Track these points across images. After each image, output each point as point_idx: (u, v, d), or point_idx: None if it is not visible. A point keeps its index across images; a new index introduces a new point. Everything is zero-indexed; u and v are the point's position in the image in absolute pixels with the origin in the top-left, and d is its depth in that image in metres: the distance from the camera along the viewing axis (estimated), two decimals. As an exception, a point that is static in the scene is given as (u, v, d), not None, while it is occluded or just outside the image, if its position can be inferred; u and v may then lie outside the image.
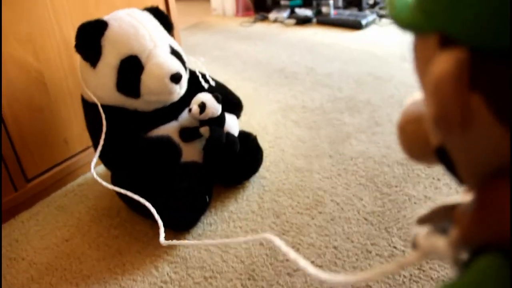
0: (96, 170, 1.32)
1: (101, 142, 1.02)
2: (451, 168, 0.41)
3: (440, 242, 0.41)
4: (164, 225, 1.05)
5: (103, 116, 1.03)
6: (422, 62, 0.39)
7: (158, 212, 1.03)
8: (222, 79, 1.28)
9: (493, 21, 0.31)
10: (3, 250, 1.06)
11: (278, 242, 0.56)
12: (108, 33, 1.02)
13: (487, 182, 0.35)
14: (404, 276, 0.88)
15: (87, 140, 1.27)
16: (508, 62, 0.31)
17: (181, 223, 1.04)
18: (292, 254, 0.50)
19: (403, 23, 0.38)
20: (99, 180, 0.98)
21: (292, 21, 2.93)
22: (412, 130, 0.43)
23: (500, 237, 0.34)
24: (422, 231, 0.43)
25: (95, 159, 1.02)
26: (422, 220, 0.46)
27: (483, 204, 0.36)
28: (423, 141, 0.42)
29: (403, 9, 0.39)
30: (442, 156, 0.40)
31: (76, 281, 0.95)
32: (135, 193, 1.07)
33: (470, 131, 0.34)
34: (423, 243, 0.41)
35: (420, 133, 0.43)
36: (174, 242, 0.87)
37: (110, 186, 1.01)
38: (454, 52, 0.34)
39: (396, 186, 1.14)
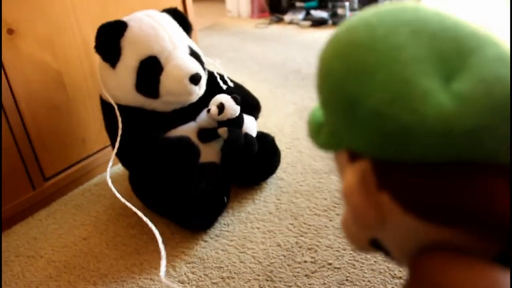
0: (114, 170, 1.34)
1: (116, 145, 1.03)
2: (388, 253, 0.46)
3: None
4: (182, 225, 1.06)
5: (119, 119, 1.04)
6: (340, 172, 0.45)
7: (176, 213, 1.04)
8: (237, 81, 1.28)
9: (379, 140, 0.35)
10: (21, 248, 1.07)
11: None
12: (128, 34, 1.03)
13: (414, 259, 0.39)
14: None
15: (104, 140, 1.28)
16: (406, 163, 0.35)
17: (199, 223, 1.04)
18: None
19: (320, 144, 0.44)
20: (113, 189, 0.99)
21: (308, 23, 2.93)
22: (353, 230, 0.47)
23: None
24: None
25: (111, 162, 1.03)
26: None
27: (413, 279, 0.39)
28: (361, 236, 0.46)
29: (318, 131, 0.44)
30: (377, 246, 0.45)
31: (94, 279, 0.96)
32: (153, 193, 1.07)
33: (388, 224, 0.39)
34: None
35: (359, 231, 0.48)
36: (174, 285, 0.87)
37: (120, 197, 1.01)
38: (357, 165, 0.38)
39: (414, 189, 1.12)
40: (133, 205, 0.98)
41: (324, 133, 0.43)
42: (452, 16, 0.37)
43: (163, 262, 0.88)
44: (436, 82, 0.33)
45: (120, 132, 1.03)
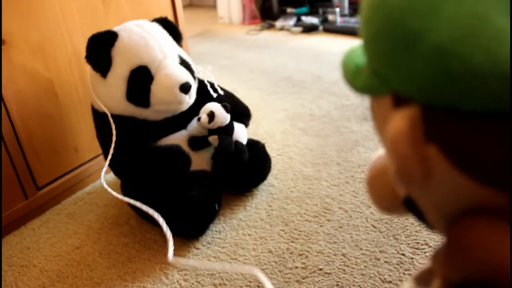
0: (105, 178, 1.34)
1: (111, 151, 1.04)
2: (420, 216, 0.42)
3: None
4: (174, 233, 1.07)
5: (113, 126, 1.05)
6: (379, 121, 0.40)
7: (167, 220, 1.04)
8: (229, 88, 1.30)
9: (439, 81, 0.31)
10: (15, 258, 1.07)
11: (263, 278, 0.58)
12: (118, 44, 1.04)
13: (454, 223, 0.36)
14: None
15: (96, 148, 1.29)
16: (460, 113, 0.32)
17: (191, 231, 1.05)
18: None
19: (358, 87, 0.40)
20: (109, 189, 1.00)
21: (299, 29, 2.94)
22: (379, 184, 0.44)
23: (471, 274, 0.34)
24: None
25: (105, 168, 1.04)
26: (418, 280, 0.48)
27: (451, 244, 0.37)
28: (391, 193, 0.43)
29: (356, 73, 0.40)
30: (410, 206, 0.42)
31: (87, 288, 0.96)
32: (144, 201, 1.08)
33: (432, 180, 0.36)
34: None
35: (387, 186, 0.44)
36: (182, 260, 0.87)
37: (120, 196, 1.02)
38: (406, 110, 0.35)
39: (404, 194, 1.14)
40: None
41: (365, 75, 0.39)
42: None
43: (171, 243, 0.88)
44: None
45: (114, 138, 1.04)
